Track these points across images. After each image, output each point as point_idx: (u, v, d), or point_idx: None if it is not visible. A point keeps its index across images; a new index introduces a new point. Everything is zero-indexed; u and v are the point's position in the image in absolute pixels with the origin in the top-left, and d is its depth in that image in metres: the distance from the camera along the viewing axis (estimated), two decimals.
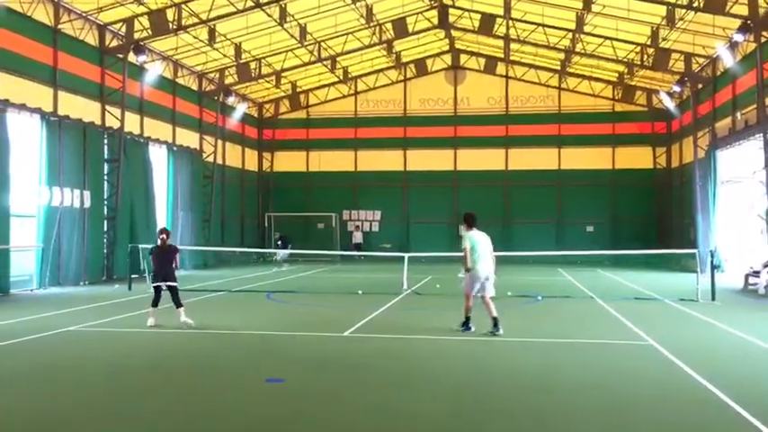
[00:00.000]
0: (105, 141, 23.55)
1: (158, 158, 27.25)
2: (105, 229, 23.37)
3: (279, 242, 32.43)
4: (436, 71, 37.68)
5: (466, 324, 11.74)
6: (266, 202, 38.78)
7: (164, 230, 13.12)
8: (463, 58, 36.95)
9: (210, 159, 31.66)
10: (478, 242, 11.74)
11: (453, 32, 33.40)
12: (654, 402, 7.33)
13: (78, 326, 12.43)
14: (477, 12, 29.02)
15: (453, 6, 29.52)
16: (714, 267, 17.80)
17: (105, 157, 23.55)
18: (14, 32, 19.40)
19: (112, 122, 23.70)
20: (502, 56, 34.18)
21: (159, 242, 12.76)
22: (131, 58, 23.95)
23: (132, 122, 25.22)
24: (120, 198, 23.47)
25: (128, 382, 8.29)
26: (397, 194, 37.70)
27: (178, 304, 12.38)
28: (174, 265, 12.58)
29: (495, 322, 11.46)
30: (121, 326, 12.67)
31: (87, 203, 21.67)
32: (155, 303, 12.58)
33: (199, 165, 30.35)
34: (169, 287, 12.42)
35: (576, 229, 35.59)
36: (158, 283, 12.50)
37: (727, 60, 25.09)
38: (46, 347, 10.55)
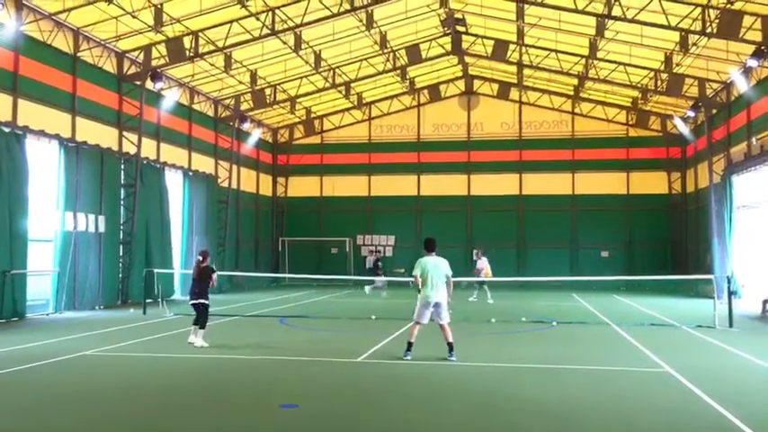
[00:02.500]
0: (122, 167, 23.85)
1: (174, 183, 27.52)
2: (121, 253, 23.54)
3: (379, 263, 30.21)
4: (450, 97, 37.86)
5: (407, 350, 11.57)
6: (280, 226, 38.92)
7: (201, 252, 14.16)
8: (476, 83, 37.14)
9: (225, 184, 31.90)
10: (428, 268, 11.54)
11: (467, 58, 33.61)
12: (671, 431, 7.23)
13: (94, 350, 12.49)
14: (490, 38, 29.20)
15: (466, 33, 29.74)
16: (731, 293, 17.61)
17: (122, 182, 23.82)
18: (34, 60, 19.77)
19: (129, 148, 24.00)
20: (515, 81, 34.32)
21: (196, 264, 13.73)
22: (149, 84, 24.30)
23: (149, 148, 25.51)
24: (135, 223, 23.68)
25: (140, 407, 8.30)
26: (411, 219, 37.72)
27: (201, 325, 13.02)
28: (209, 286, 13.38)
29: (450, 348, 11.48)
30: (136, 350, 12.71)
31: (102, 228, 21.86)
32: (195, 321, 13.23)
33: (214, 190, 30.58)
34: (200, 305, 13.17)
35: (591, 255, 35.40)
36: (192, 301, 13.35)
37: (742, 86, 25.06)
38: (62, 372, 10.60)
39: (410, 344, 11.61)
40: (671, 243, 35.29)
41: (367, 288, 28.09)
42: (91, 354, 12.17)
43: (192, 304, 13.36)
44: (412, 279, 11.78)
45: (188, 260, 27.85)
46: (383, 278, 27.60)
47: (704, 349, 13.10)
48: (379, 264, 30.04)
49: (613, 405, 8.40)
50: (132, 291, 23.17)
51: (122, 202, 23.77)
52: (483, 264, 23.95)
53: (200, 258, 13.71)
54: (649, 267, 31.53)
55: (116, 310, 20.86)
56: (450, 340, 11.53)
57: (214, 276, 13.51)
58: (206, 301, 13.27)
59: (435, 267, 11.60)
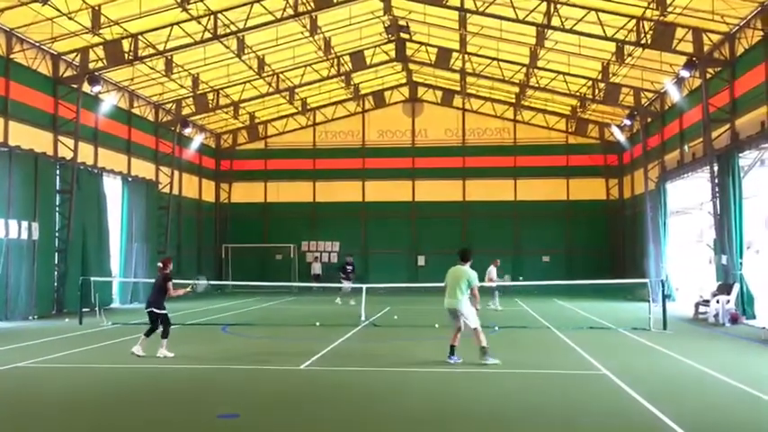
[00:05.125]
0: (57, 172, 23.12)
1: (113, 189, 26.84)
2: (56, 261, 22.82)
3: (349, 267, 26.61)
4: (394, 103, 38.10)
5: (450, 354, 11.85)
6: (223, 233, 38.39)
7: (162, 260, 13.66)
8: (421, 90, 37.47)
9: (166, 190, 31.29)
10: (447, 277, 11.95)
11: (411, 65, 33.89)
12: None
13: (27, 362, 12.05)
14: (433, 46, 29.54)
15: (410, 40, 30.01)
16: (665, 297, 18.17)
17: (57, 188, 23.09)
18: None
19: (65, 153, 23.31)
20: (458, 89, 34.76)
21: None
22: (86, 88, 23.66)
23: (86, 153, 24.85)
24: (71, 229, 22.98)
25: (75, 420, 8.06)
26: (356, 225, 37.72)
27: (162, 334, 12.62)
28: (163, 294, 12.76)
29: (482, 352, 11.64)
30: (72, 361, 12.33)
31: (36, 235, 21.14)
32: (146, 332, 12.80)
33: (154, 196, 29.95)
34: (156, 314, 12.70)
35: (533, 260, 36.03)
36: (147, 309, 12.85)
37: (675, 95, 25.95)
38: None
39: (452, 347, 11.82)
40: (609, 248, 36.20)
41: (338, 299, 26.09)
42: (24, 365, 11.74)
43: (147, 312, 12.90)
44: (419, 285, 12.12)
45: (127, 268, 27.23)
46: (349, 284, 25.65)
47: (639, 351, 13.47)
48: (348, 268, 26.63)
49: (551, 408, 8.56)
50: (68, 300, 22.46)
51: (57, 209, 23.05)
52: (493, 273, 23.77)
53: (161, 266, 13.23)
54: (588, 272, 32.08)
55: (51, 320, 20.19)
56: (484, 344, 11.62)
57: (169, 285, 12.74)
58: (157, 310, 12.64)
59: (452, 276, 11.82)
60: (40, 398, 9.33)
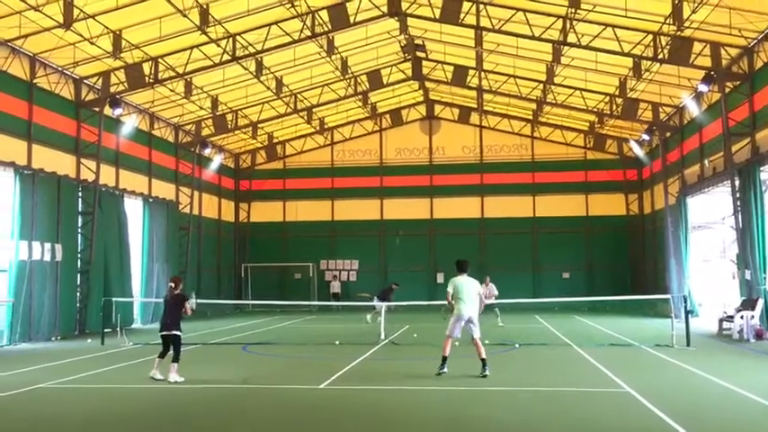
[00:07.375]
0: (80, 194, 23.45)
1: (134, 210, 27.13)
2: (78, 282, 23.05)
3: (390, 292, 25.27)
4: (411, 121, 38.23)
5: (441, 365, 12.29)
6: (243, 252, 38.59)
7: (173, 278, 13.22)
8: (437, 108, 37.58)
9: (186, 210, 31.57)
10: (461, 286, 12.40)
11: (427, 84, 34.04)
12: None
13: (50, 383, 12.16)
14: (450, 64, 29.69)
15: (427, 59, 30.16)
16: (688, 312, 17.96)
17: (79, 209, 23.39)
18: None
19: (87, 175, 23.65)
20: (475, 106, 34.80)
21: (168, 291, 12.77)
22: (107, 111, 24.03)
23: (107, 175, 25.18)
24: (93, 251, 23.24)
25: None
26: (375, 243, 37.76)
27: (174, 358, 12.15)
28: (180, 314, 12.36)
29: (484, 363, 12.03)
30: (94, 382, 12.42)
31: (59, 257, 21.40)
32: (161, 354, 12.43)
33: (175, 216, 30.23)
34: (170, 336, 12.25)
35: (553, 276, 35.79)
36: (162, 333, 12.37)
37: (693, 110, 25.80)
38: (15, 406, 10.28)
39: (444, 358, 12.27)
40: (629, 263, 35.89)
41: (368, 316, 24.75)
42: (47, 386, 11.85)
43: (162, 336, 12.38)
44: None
45: (148, 288, 27.44)
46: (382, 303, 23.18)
47: (663, 369, 13.31)
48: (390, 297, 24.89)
49: (573, 427, 8.47)
50: (90, 320, 22.67)
51: (80, 230, 23.33)
52: (490, 290, 23.57)
53: (172, 285, 12.70)
54: (609, 288, 31.97)
55: (73, 341, 20.36)
56: (484, 356, 12.08)
57: (187, 304, 12.49)
58: (178, 332, 12.27)
59: (468, 285, 12.45)
60: (61, 418, 9.41)
